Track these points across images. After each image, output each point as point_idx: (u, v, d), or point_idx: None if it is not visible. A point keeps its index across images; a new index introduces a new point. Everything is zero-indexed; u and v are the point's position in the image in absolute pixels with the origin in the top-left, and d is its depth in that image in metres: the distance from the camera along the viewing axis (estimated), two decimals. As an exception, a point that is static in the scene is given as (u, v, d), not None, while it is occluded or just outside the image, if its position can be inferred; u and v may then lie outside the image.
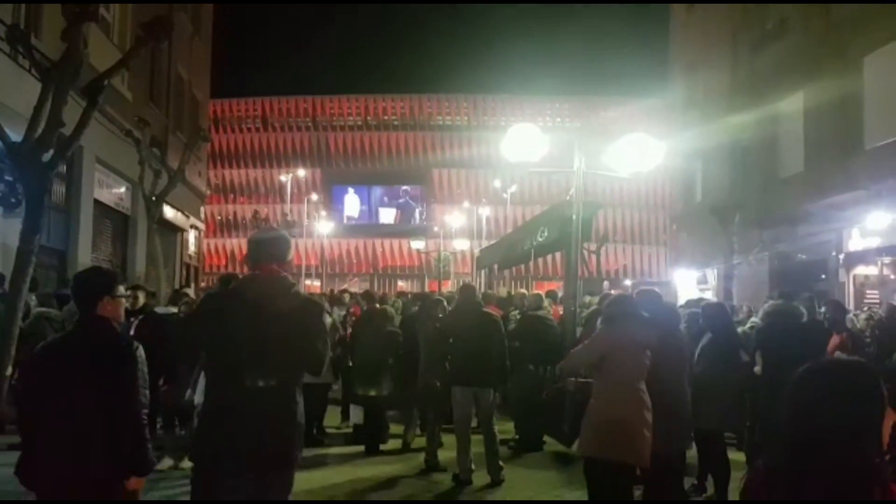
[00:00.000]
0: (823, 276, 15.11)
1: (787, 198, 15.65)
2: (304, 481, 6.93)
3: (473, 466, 6.99)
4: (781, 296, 7.62)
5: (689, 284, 21.11)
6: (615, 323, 4.87)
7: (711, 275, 19.62)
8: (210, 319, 3.30)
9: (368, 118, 62.18)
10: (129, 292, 6.55)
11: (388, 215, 61.45)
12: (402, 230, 57.86)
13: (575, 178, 7.30)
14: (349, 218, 60.35)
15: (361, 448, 8.40)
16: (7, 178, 10.94)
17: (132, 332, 6.74)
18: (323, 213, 55.72)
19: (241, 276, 4.22)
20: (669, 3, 24.86)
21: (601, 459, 4.65)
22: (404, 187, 60.88)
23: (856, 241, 14.14)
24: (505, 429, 7.72)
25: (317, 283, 51.65)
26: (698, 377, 5.95)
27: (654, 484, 5.17)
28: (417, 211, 60.63)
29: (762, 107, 16.49)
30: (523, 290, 12.02)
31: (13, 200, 11.14)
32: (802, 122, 15.53)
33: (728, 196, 17.26)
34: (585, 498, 5.09)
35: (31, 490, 3.24)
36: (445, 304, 8.61)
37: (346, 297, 13.38)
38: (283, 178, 54.27)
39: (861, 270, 14.37)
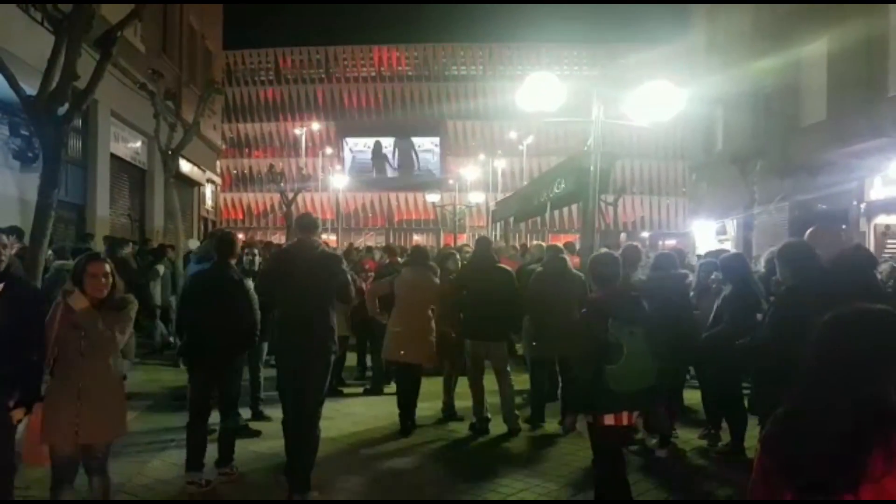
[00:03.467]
0: (844, 226, 14.94)
1: (808, 146, 15.40)
2: (326, 430, 7.05)
3: (489, 415, 7.08)
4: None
5: (708, 235, 20.96)
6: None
7: (731, 225, 19.45)
8: (279, 270, 5.43)
9: (382, 69, 61.50)
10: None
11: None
12: (416, 183, 57.69)
13: (593, 128, 7.18)
14: (361, 168, 59.98)
15: (378, 399, 8.55)
16: (23, 132, 11.00)
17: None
18: (338, 167, 55.60)
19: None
20: (690, -55, 24.12)
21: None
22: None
23: (878, 190, 13.93)
24: (520, 380, 7.78)
25: (333, 237, 51.84)
26: (719, 329, 5.93)
27: None
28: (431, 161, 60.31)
29: (785, 52, 16.09)
30: (540, 242, 11.94)
31: (30, 155, 11.21)
32: (826, 69, 15.18)
33: (749, 145, 16.98)
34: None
35: None
36: (458, 257, 8.64)
37: (354, 252, 13.50)
38: (297, 131, 54.07)
39: (882, 220, 14.18)
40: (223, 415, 5.66)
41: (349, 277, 5.74)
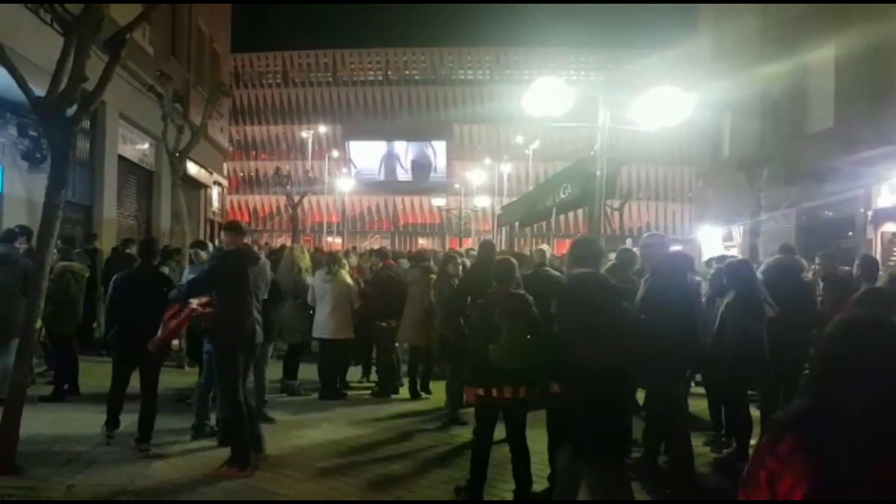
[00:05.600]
0: (851, 234, 14.88)
1: (815, 153, 15.34)
2: (329, 432, 7.10)
3: None
4: (783, 250, 7.62)
5: (714, 241, 20.90)
6: None
7: (737, 231, 19.39)
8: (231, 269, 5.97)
9: (389, 72, 61.59)
10: None
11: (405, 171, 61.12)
12: (422, 187, 57.72)
13: (599, 133, 7.18)
14: (366, 173, 59.89)
15: (383, 401, 8.57)
16: (31, 133, 11.04)
17: None
18: (343, 170, 55.68)
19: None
20: (698, -49, 24.09)
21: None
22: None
23: (885, 198, 13.87)
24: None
25: (338, 241, 51.92)
26: (723, 334, 5.92)
27: None
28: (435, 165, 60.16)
29: (792, 58, 16.05)
30: (542, 247, 11.88)
31: (38, 156, 11.25)
32: (833, 75, 15.13)
33: (757, 151, 16.94)
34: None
35: None
36: (459, 260, 8.69)
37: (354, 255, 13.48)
38: (304, 134, 54.17)
39: (889, 227, 14.12)
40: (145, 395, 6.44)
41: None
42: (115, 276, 6.94)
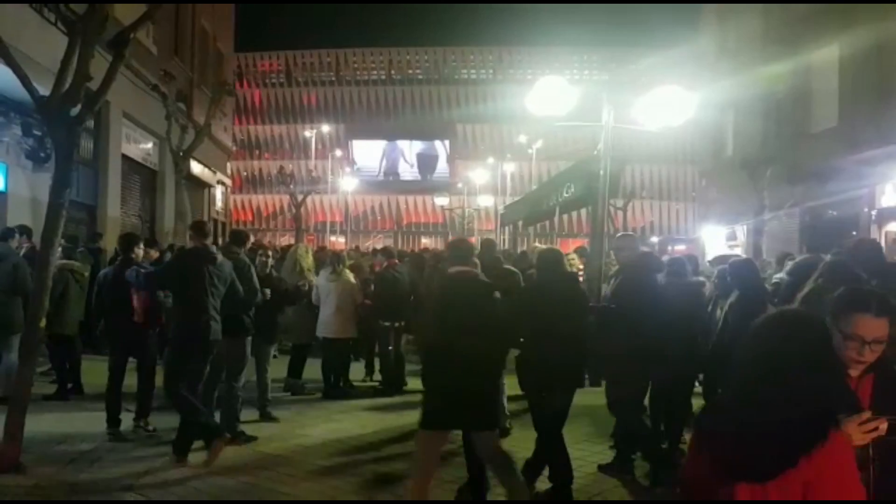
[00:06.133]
0: (854, 233, 14.85)
1: (819, 152, 15.31)
2: (333, 431, 7.10)
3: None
4: (810, 250, 7.53)
5: (717, 241, 20.88)
6: None
7: (741, 231, 19.37)
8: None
9: (392, 72, 61.60)
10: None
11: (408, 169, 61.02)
12: (425, 186, 57.71)
13: (603, 133, 7.18)
14: (367, 171, 59.85)
15: (386, 400, 8.57)
16: (35, 132, 11.06)
17: None
18: (346, 169, 55.71)
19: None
20: (702, -50, 24.06)
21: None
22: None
23: (888, 197, 13.85)
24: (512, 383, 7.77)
25: (341, 240, 51.94)
26: (725, 335, 5.90)
27: None
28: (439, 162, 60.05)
29: (796, 57, 16.02)
30: (537, 245, 11.82)
31: (42, 155, 11.28)
32: (837, 74, 15.10)
33: (760, 150, 16.92)
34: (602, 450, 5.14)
35: None
36: None
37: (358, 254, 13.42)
38: (307, 133, 54.20)
39: (893, 227, 14.09)
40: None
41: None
42: (99, 273, 7.45)
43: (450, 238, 47.93)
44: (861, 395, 2.36)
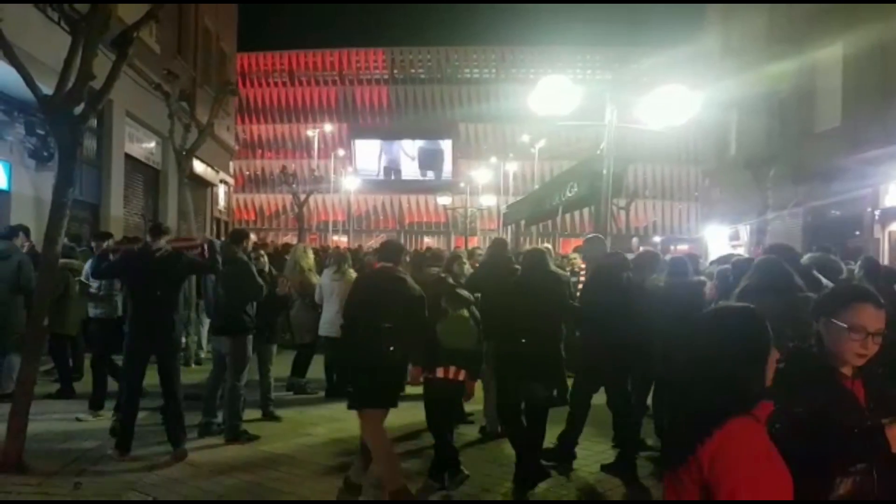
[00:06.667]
0: (858, 233, 14.82)
1: (822, 152, 15.29)
2: (336, 431, 7.10)
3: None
4: (820, 249, 7.51)
5: (720, 240, 20.85)
6: None
7: (744, 231, 19.34)
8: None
9: (395, 71, 61.58)
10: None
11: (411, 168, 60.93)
12: (428, 186, 57.69)
13: (606, 132, 7.17)
14: (368, 172, 59.83)
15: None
16: (39, 131, 11.07)
17: None
18: (350, 168, 55.71)
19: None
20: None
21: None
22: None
23: (892, 197, 13.81)
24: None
25: (344, 239, 51.95)
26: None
27: None
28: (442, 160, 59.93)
29: (800, 56, 15.99)
30: (545, 246, 11.84)
31: (45, 154, 11.29)
32: (841, 74, 15.07)
33: (764, 149, 16.89)
34: (605, 450, 5.15)
35: None
36: (464, 259, 8.65)
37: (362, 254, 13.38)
38: (310, 132, 54.22)
39: (897, 227, 14.07)
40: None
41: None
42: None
43: (451, 239, 47.97)
44: (857, 393, 2.35)
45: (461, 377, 5.44)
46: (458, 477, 5.42)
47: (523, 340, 5.39)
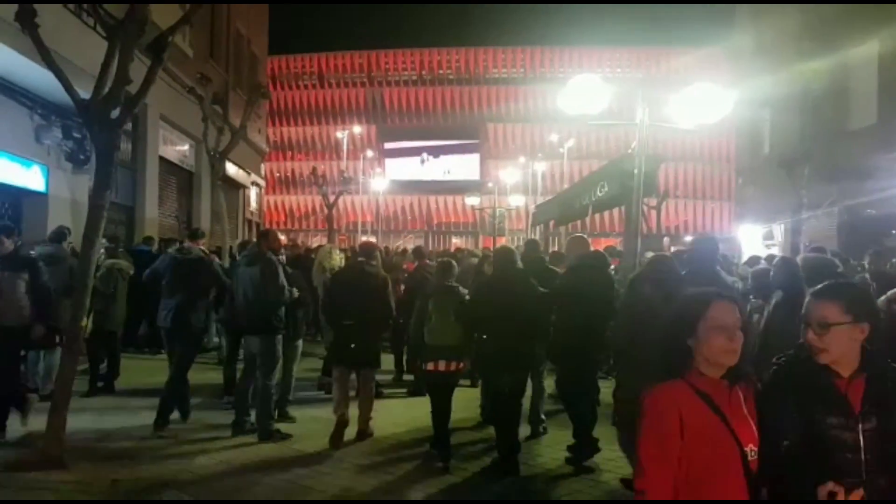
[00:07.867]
0: (894, 232, 14.54)
1: (857, 150, 15.02)
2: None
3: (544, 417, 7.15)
4: (815, 250, 7.48)
5: (754, 240, 20.56)
6: None
7: (778, 230, 19.04)
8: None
9: (423, 72, 61.68)
10: None
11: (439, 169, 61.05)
12: (456, 186, 57.68)
13: (638, 131, 7.11)
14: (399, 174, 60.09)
15: (418, 399, 8.55)
16: (76, 135, 11.30)
17: None
18: (378, 169, 55.89)
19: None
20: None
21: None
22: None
23: (930, 195, 13.53)
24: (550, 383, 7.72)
25: (372, 240, 52.08)
26: (771, 335, 5.79)
27: None
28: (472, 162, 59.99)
29: (834, 54, 15.72)
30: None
31: (82, 157, 11.52)
32: (877, 71, 14.79)
33: (797, 148, 16.62)
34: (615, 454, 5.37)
35: None
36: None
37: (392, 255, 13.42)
38: (339, 134, 54.53)
39: (932, 225, 13.77)
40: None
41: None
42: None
43: (479, 239, 47.84)
44: (852, 396, 2.34)
45: (452, 368, 6.12)
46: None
47: (496, 331, 5.90)
